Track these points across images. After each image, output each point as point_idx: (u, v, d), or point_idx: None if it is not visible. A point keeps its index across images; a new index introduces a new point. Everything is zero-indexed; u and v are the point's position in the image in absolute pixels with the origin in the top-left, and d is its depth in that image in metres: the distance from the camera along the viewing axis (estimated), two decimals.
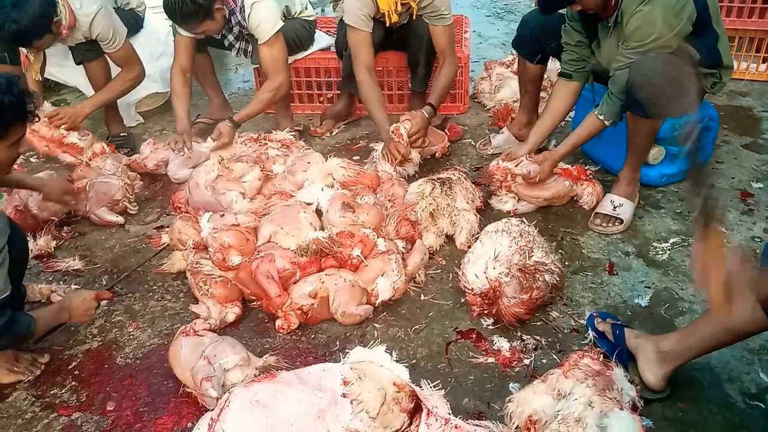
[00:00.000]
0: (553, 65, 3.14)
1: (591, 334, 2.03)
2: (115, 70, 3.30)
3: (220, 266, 2.23)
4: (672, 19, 2.22)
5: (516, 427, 1.65)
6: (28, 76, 3.18)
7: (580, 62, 2.63)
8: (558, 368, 1.73)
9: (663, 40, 2.23)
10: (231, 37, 3.16)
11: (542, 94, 3.23)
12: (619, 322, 1.98)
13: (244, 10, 2.98)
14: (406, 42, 3.21)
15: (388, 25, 3.03)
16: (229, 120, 3.07)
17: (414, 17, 3.03)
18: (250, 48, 3.18)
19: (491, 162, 2.80)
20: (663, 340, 1.80)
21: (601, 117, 2.47)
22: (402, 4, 2.95)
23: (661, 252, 2.44)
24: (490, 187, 2.78)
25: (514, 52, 3.95)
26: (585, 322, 2.09)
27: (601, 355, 1.78)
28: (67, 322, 2.09)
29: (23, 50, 3.13)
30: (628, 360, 1.85)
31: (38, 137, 3.12)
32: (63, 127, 3.12)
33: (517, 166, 2.66)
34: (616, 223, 2.56)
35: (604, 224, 2.57)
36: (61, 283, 2.44)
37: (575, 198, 2.73)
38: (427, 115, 2.96)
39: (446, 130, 3.36)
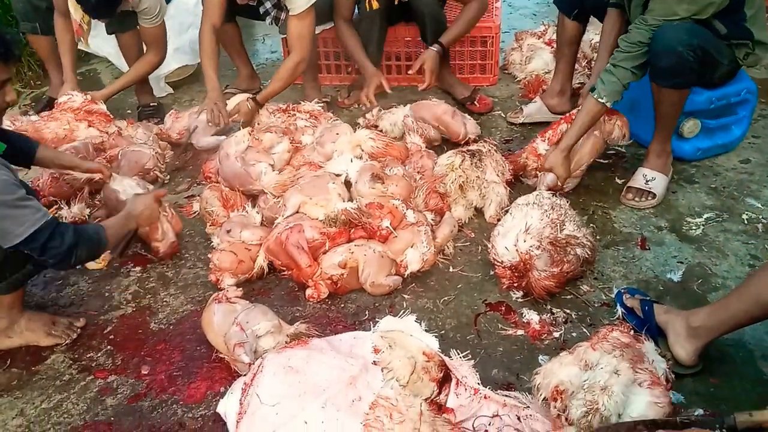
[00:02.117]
0: (593, 33, 3.09)
1: (619, 310, 2.01)
2: None
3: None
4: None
5: (543, 399, 1.65)
6: (82, 45, 3.24)
7: None
8: (586, 342, 1.73)
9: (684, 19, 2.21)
10: (268, 4, 3.12)
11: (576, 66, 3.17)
12: (647, 298, 1.96)
13: None
14: (413, 11, 3.21)
15: None
16: (252, 99, 3.06)
17: None
18: (282, 16, 3.15)
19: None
20: (693, 315, 1.78)
21: (602, 100, 2.34)
22: None
23: (694, 227, 2.40)
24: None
25: (546, 21, 3.88)
26: (614, 300, 2.08)
27: (632, 330, 1.76)
28: (137, 228, 2.21)
29: (76, 19, 3.13)
30: (657, 335, 1.83)
31: (60, 112, 3.06)
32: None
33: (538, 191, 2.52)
34: (649, 198, 2.52)
35: (636, 198, 2.53)
36: None
37: (608, 141, 2.61)
38: (435, 51, 3.10)
39: (476, 102, 3.33)
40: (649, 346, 1.70)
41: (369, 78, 3.19)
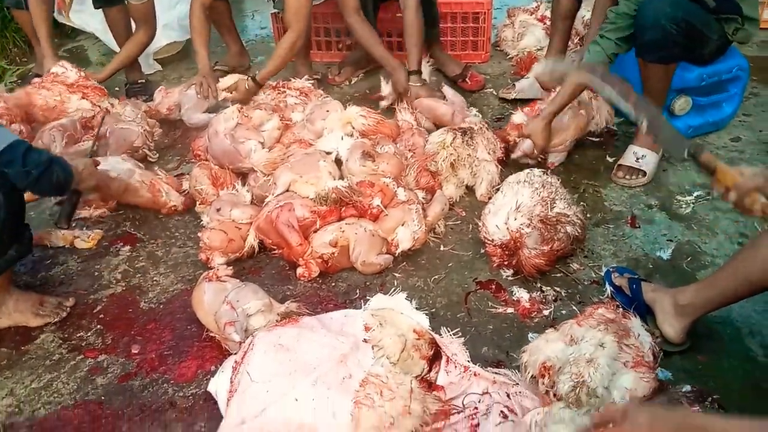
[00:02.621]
0: (585, 10, 3.07)
1: (608, 289, 2.01)
2: None
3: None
4: None
5: (531, 376, 1.66)
6: (63, 19, 3.18)
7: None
8: (573, 319, 1.74)
9: None
10: None
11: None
12: (635, 277, 1.97)
13: None
14: None
15: None
16: (252, 79, 3.02)
17: None
18: None
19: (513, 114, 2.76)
20: (681, 294, 1.79)
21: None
22: None
23: (684, 205, 2.41)
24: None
25: None
26: (603, 279, 2.09)
27: (619, 308, 1.77)
28: (80, 191, 2.24)
29: None
30: (645, 314, 1.84)
31: (52, 83, 3.01)
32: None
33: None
34: (639, 176, 2.52)
35: (627, 176, 2.53)
36: (84, 229, 2.47)
37: (592, 125, 2.67)
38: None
39: (467, 79, 3.30)
40: (635, 322, 1.71)
41: (396, 73, 3.03)
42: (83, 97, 2.98)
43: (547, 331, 1.73)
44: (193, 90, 3.03)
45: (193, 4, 3.12)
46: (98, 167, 2.33)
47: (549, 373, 1.61)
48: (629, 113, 1.82)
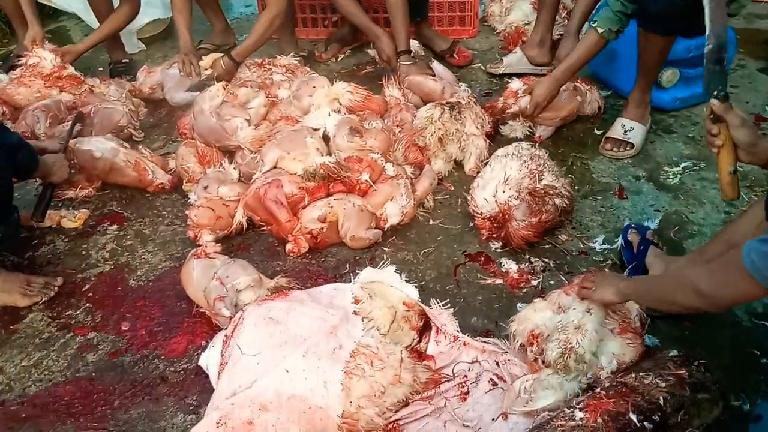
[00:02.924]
0: None
1: (620, 241, 2.06)
2: None
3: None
4: None
5: (520, 345, 1.68)
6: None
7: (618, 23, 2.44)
8: (560, 288, 1.76)
9: None
10: None
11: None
12: (649, 239, 2.01)
13: None
14: None
15: None
16: (228, 56, 2.97)
17: None
18: None
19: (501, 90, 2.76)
20: (674, 263, 1.84)
21: (594, 24, 2.33)
22: None
23: (671, 176, 2.42)
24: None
25: None
26: (594, 245, 2.11)
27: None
28: (54, 184, 2.28)
29: None
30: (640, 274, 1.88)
31: (30, 78, 2.95)
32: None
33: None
34: (627, 148, 2.53)
35: (615, 149, 2.54)
36: (71, 209, 2.45)
37: (581, 112, 2.70)
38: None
39: (455, 54, 3.29)
40: None
41: (380, 41, 3.00)
42: (61, 90, 2.91)
43: (535, 300, 1.74)
44: (175, 69, 2.99)
45: None
46: (81, 150, 2.32)
47: (537, 341, 1.63)
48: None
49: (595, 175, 2.46)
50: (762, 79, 3.00)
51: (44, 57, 2.99)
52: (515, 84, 2.68)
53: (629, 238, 2.02)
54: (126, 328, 1.94)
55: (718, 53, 1.61)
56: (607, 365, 1.54)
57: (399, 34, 2.99)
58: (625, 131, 2.54)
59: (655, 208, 2.28)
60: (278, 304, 1.68)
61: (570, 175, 2.42)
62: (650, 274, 1.85)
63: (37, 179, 2.31)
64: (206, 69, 2.98)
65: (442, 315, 1.75)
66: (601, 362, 1.54)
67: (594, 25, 2.34)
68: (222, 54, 3.00)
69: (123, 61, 3.42)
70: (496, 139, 2.65)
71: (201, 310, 1.92)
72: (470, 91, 2.83)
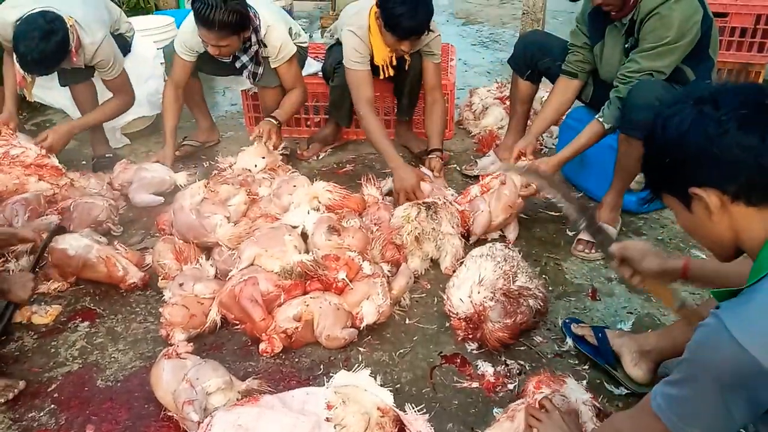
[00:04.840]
0: (544, 91, 3.22)
1: (569, 341, 2.09)
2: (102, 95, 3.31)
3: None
4: (685, 27, 2.33)
5: None
6: (26, 94, 3.21)
7: (584, 64, 2.74)
8: (520, 399, 1.79)
9: (674, 46, 2.34)
10: (245, 58, 3.14)
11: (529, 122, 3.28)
12: (599, 325, 2.08)
13: (259, 32, 3.06)
14: (396, 72, 3.21)
15: (382, 78, 3.11)
16: (273, 118, 3.12)
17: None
18: (260, 71, 3.20)
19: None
20: (645, 339, 1.93)
21: (602, 120, 2.52)
22: (396, 58, 3.05)
23: None
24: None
25: (500, 79, 4.03)
26: (569, 347, 2.11)
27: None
28: (17, 303, 2.21)
29: (20, 71, 3.09)
30: (613, 360, 1.95)
31: (11, 165, 2.97)
32: (46, 146, 3.08)
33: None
34: (598, 249, 2.59)
35: (586, 250, 2.60)
36: (43, 304, 2.41)
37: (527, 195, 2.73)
38: (442, 161, 3.20)
39: None
40: (570, 383, 1.79)
41: (399, 171, 2.88)
42: (40, 179, 2.95)
43: (500, 418, 1.75)
44: (148, 170, 3.06)
45: (167, 88, 3.21)
46: (56, 249, 2.29)
47: None
48: (569, 214, 2.07)
49: (569, 276, 2.50)
50: None
51: (30, 147, 3.04)
52: (474, 190, 2.76)
53: (578, 333, 2.08)
54: None
55: (593, 225, 1.98)
56: None
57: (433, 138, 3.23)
58: None
59: (627, 310, 2.31)
60: (248, 410, 1.64)
61: (544, 276, 2.46)
62: (626, 355, 1.92)
63: None
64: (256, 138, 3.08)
65: (417, 421, 1.72)
66: None
67: (602, 120, 2.52)
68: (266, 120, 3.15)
69: (107, 155, 3.48)
70: (471, 239, 2.68)
71: (169, 413, 1.86)
72: (457, 195, 2.87)
